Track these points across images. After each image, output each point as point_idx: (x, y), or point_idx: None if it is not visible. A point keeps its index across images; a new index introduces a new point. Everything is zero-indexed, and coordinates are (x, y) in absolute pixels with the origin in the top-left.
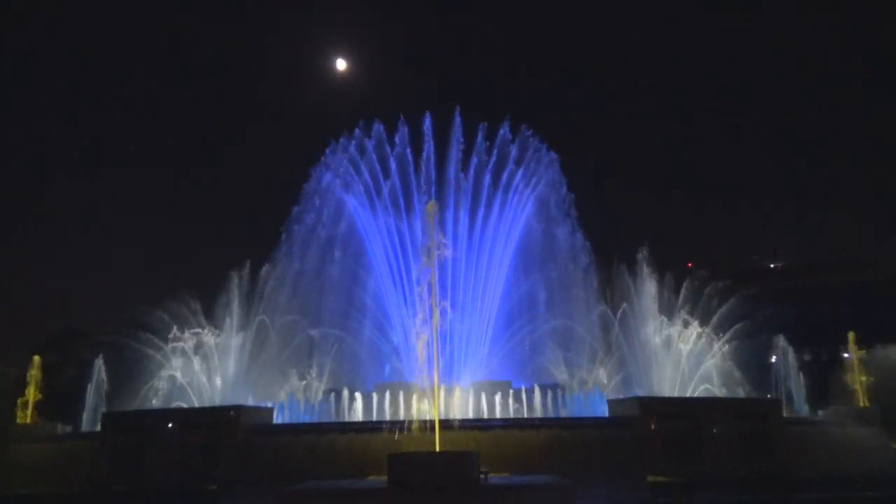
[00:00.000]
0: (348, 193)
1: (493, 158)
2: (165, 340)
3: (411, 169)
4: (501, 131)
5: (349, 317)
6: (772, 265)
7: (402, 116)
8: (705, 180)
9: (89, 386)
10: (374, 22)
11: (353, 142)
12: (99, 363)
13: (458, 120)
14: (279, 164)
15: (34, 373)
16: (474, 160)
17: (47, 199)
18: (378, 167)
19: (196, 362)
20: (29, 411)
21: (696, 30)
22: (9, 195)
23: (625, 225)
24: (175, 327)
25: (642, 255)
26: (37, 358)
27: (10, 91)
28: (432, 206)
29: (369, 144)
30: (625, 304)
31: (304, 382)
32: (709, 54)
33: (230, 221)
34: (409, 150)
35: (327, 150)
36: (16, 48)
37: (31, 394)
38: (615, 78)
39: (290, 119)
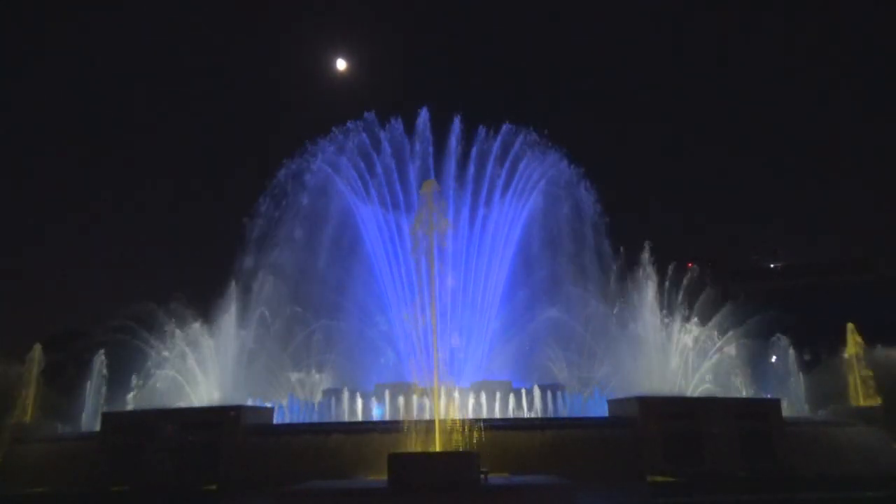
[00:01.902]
0: (348, 190)
1: (493, 157)
2: (164, 339)
3: (411, 169)
4: (501, 130)
5: (350, 313)
6: (772, 265)
7: (401, 114)
8: (705, 180)
9: (89, 385)
10: (374, 22)
11: (355, 138)
12: (100, 359)
13: (457, 118)
14: (278, 164)
15: (35, 361)
16: (474, 158)
17: (46, 198)
18: (378, 166)
19: (195, 361)
20: (30, 405)
21: (696, 30)
22: (9, 196)
23: (625, 225)
24: (174, 325)
25: (642, 254)
26: (38, 346)
27: (10, 91)
28: (430, 184)
29: (369, 140)
30: (625, 304)
31: (302, 374)
32: (709, 54)
33: (230, 222)
34: (408, 149)
35: (326, 147)
36: (18, 49)
37: (32, 384)
38: (615, 78)
39: (289, 118)
